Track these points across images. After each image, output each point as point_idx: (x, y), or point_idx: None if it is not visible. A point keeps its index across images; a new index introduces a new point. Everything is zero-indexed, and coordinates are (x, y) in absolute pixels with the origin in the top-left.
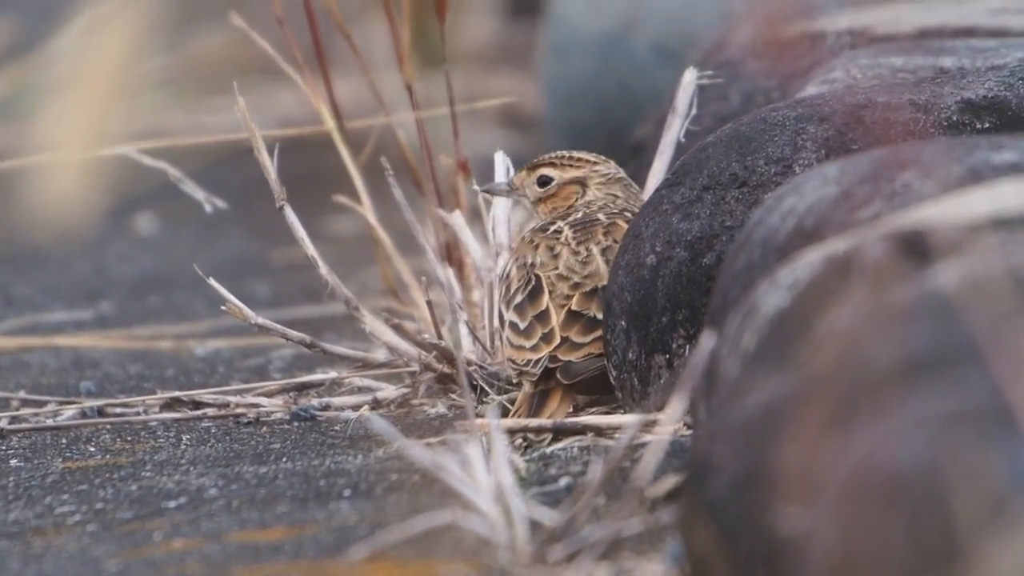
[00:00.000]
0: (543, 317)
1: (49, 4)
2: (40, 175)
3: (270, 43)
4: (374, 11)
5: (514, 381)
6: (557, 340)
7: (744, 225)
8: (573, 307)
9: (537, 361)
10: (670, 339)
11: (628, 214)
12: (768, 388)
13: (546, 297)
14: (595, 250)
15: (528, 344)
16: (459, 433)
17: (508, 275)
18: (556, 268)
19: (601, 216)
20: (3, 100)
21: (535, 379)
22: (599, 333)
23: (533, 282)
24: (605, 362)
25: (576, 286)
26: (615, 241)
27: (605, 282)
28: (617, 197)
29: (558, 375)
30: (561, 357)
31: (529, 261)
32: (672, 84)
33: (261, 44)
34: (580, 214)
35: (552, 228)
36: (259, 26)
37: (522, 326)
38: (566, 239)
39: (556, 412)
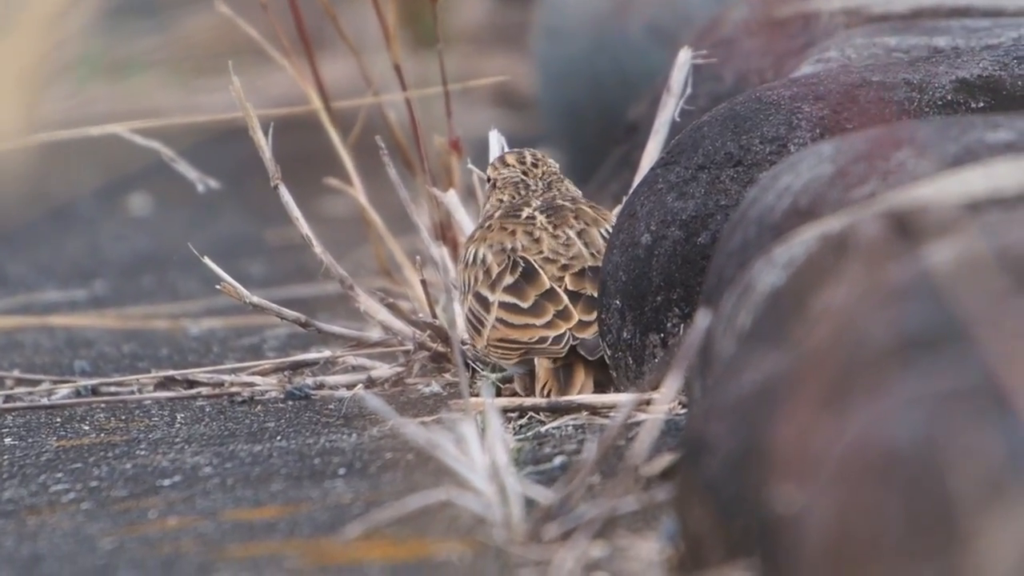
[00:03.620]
0: (551, 296)
1: None
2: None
3: (261, 24)
4: None
5: (509, 363)
6: (575, 317)
7: (739, 204)
8: (568, 287)
9: (559, 337)
10: (665, 318)
11: (582, 200)
12: (763, 366)
13: (545, 278)
14: (572, 233)
15: (539, 321)
16: (454, 412)
17: (483, 260)
18: (541, 252)
19: (561, 201)
20: None
21: (562, 355)
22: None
23: (523, 264)
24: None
25: (564, 267)
26: (586, 224)
27: (589, 264)
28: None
29: (579, 350)
30: (576, 335)
31: (509, 246)
32: (666, 64)
33: (247, 29)
34: (539, 201)
35: (523, 215)
36: (249, 7)
37: (525, 305)
38: (542, 224)
39: (584, 386)
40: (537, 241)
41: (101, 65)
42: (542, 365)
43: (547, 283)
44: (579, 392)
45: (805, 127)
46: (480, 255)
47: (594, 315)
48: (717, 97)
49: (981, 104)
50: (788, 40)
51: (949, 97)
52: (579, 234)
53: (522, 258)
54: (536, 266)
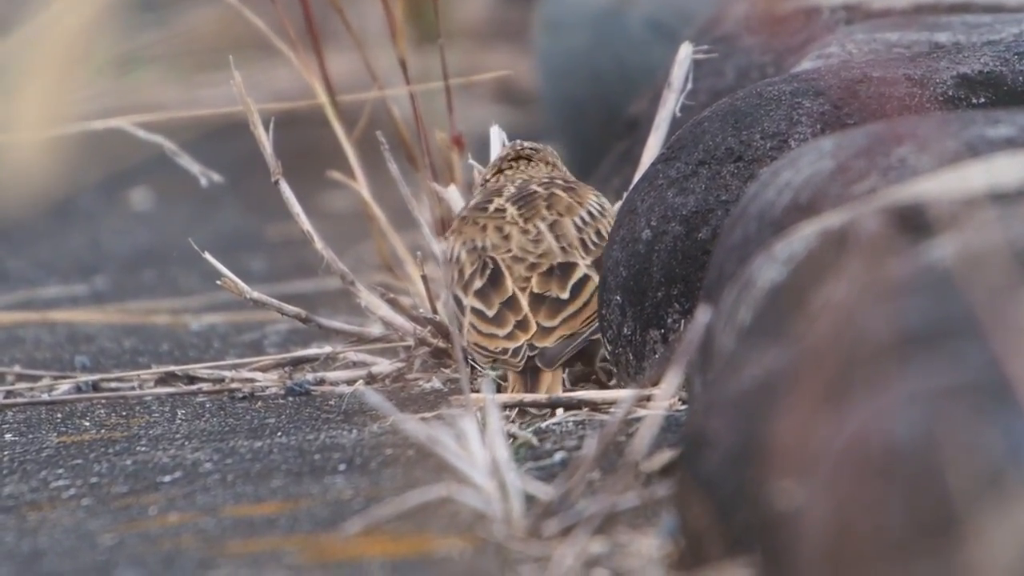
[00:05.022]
0: (512, 304)
1: None
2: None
3: (265, 18)
4: None
5: (484, 367)
6: (533, 328)
7: (739, 199)
8: (534, 289)
9: (517, 350)
10: (665, 314)
11: (560, 181)
12: (763, 362)
13: (509, 282)
14: (543, 227)
15: (501, 332)
16: (454, 407)
17: (458, 258)
18: (509, 250)
19: (536, 187)
20: None
21: (520, 369)
22: (565, 313)
23: (491, 266)
24: (577, 341)
25: (532, 267)
26: (559, 214)
27: (559, 260)
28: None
29: (537, 363)
30: (536, 344)
31: (479, 244)
32: (667, 59)
33: (254, 21)
34: (513, 188)
35: (492, 207)
36: (252, 2)
37: (490, 313)
38: (512, 218)
39: (551, 387)
40: (506, 238)
41: (104, 60)
42: (510, 373)
43: (510, 289)
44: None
45: (806, 122)
46: (456, 252)
47: (559, 319)
48: (718, 92)
49: (982, 100)
50: (789, 36)
51: (950, 92)
52: (551, 226)
53: (490, 259)
54: (503, 268)
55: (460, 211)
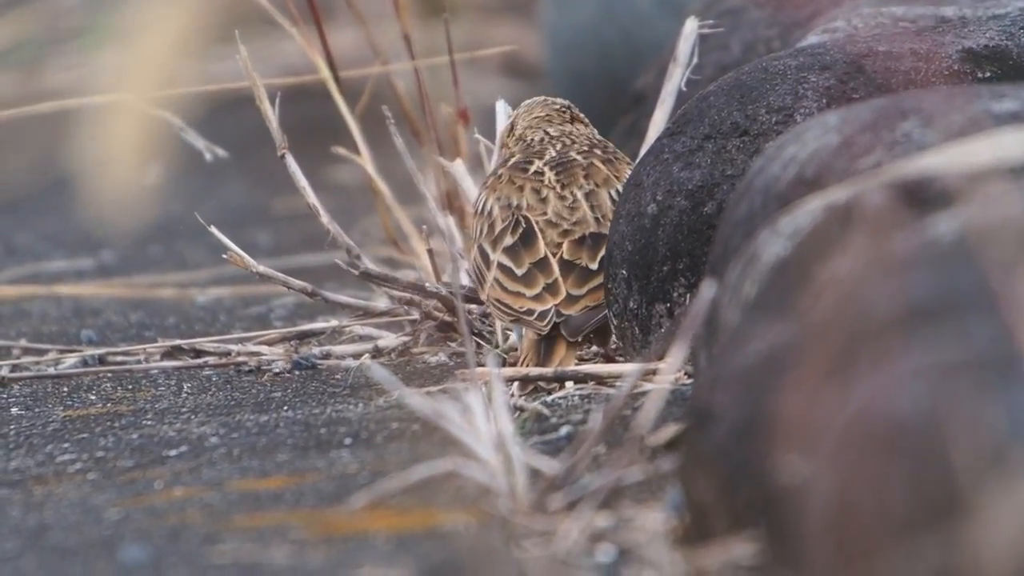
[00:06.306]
0: (543, 266)
1: None
2: (49, 124)
3: None
4: None
5: (504, 324)
6: (563, 293)
7: (745, 174)
8: (565, 256)
9: (544, 313)
10: (671, 288)
11: (598, 151)
12: (768, 337)
13: (542, 244)
14: (579, 195)
15: (529, 292)
16: (459, 381)
17: (489, 212)
18: (545, 214)
19: (575, 155)
20: (6, 49)
21: (544, 333)
22: (592, 284)
23: (524, 225)
24: (601, 314)
25: (565, 233)
26: (596, 185)
27: (592, 229)
28: (572, 133)
29: (561, 330)
30: (562, 311)
31: (515, 202)
32: (673, 33)
33: None
34: (554, 152)
35: (532, 169)
36: None
37: (519, 272)
38: (550, 182)
39: (564, 360)
40: (543, 201)
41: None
42: (526, 337)
43: (542, 250)
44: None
45: (811, 97)
46: (488, 206)
47: (585, 288)
48: (724, 67)
49: (987, 74)
50: (795, 10)
51: (956, 67)
52: (587, 196)
53: (524, 218)
54: (536, 229)
55: (495, 166)
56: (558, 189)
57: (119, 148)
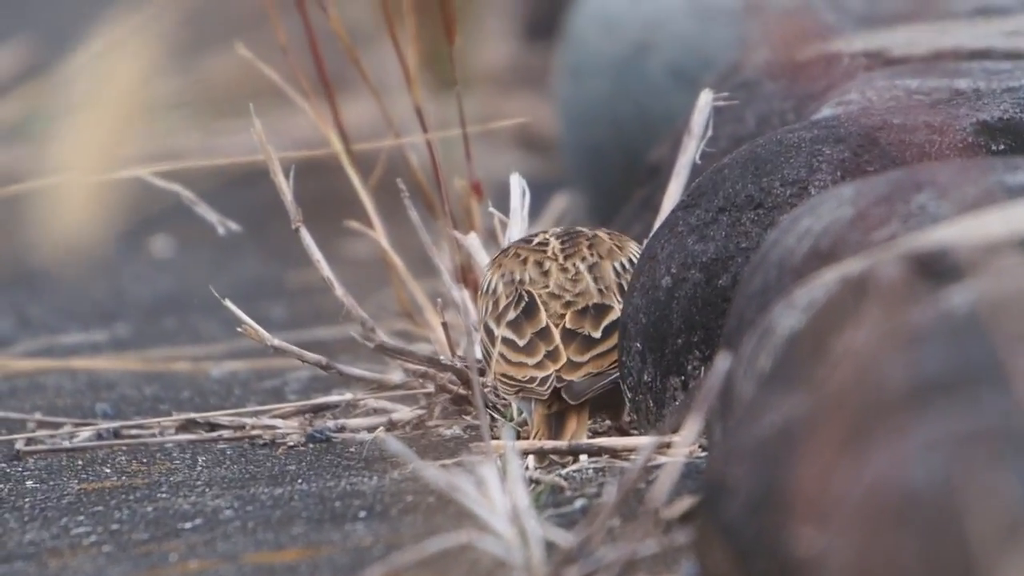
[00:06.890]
0: (544, 335)
1: (64, 27)
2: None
3: (282, 66)
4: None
5: (507, 398)
6: (564, 359)
7: (760, 247)
8: (567, 325)
9: (545, 379)
10: (685, 361)
11: (604, 229)
12: (783, 409)
13: (543, 315)
14: (582, 267)
15: (531, 361)
16: (474, 454)
17: (495, 290)
18: (547, 286)
19: (581, 228)
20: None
21: (545, 398)
22: (595, 351)
23: (526, 299)
24: (605, 380)
25: (568, 304)
26: (600, 256)
27: (595, 300)
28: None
29: (563, 394)
30: (564, 377)
31: (517, 278)
32: (688, 106)
33: (268, 72)
34: (561, 227)
35: (536, 240)
36: (271, 48)
37: (521, 343)
38: (553, 253)
39: (576, 433)
40: (545, 274)
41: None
42: (536, 411)
43: (544, 321)
44: (571, 440)
45: (826, 169)
46: (493, 284)
47: (588, 356)
48: (738, 139)
49: (1002, 146)
50: (809, 82)
51: (970, 139)
52: (590, 268)
53: (527, 292)
54: (538, 302)
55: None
56: (560, 260)
57: (72, 224)
